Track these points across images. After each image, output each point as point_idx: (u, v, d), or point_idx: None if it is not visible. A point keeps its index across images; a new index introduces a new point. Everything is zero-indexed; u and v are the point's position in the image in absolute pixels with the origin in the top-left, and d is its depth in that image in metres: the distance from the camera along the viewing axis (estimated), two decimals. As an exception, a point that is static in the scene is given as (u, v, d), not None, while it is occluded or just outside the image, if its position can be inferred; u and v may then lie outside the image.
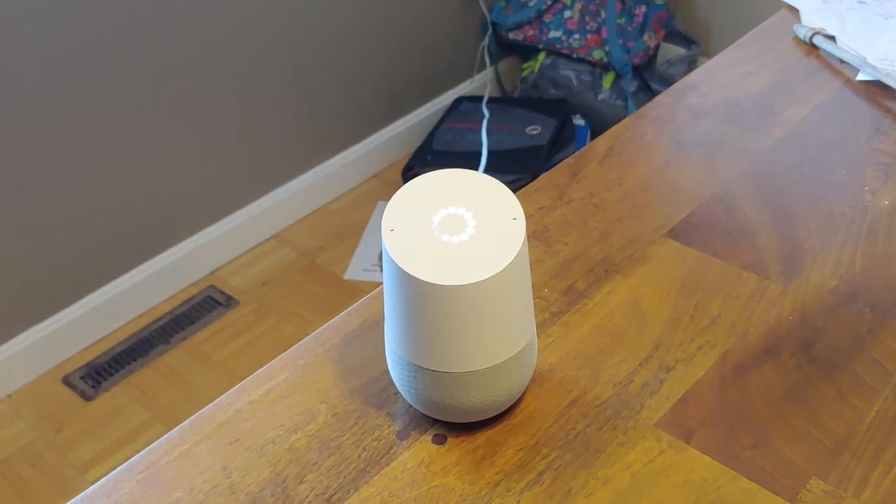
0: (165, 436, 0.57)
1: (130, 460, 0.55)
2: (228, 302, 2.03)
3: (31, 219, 1.80)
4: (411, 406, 0.56)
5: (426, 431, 0.55)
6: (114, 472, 0.55)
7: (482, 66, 2.53)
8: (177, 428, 0.57)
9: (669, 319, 0.62)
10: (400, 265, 0.49)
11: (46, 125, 1.76)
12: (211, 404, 0.58)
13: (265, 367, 0.60)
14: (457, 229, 0.51)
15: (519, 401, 0.56)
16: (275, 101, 2.12)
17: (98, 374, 1.89)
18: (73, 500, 0.54)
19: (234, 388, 0.59)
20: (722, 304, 0.63)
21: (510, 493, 0.51)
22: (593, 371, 0.58)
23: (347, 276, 2.08)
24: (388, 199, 2.27)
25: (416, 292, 0.50)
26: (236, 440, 0.55)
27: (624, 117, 2.21)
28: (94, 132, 1.83)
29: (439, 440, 0.54)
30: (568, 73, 2.36)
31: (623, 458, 0.53)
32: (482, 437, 0.54)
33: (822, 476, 0.51)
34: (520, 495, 0.51)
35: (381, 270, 2.05)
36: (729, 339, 0.60)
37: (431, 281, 0.49)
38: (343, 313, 0.64)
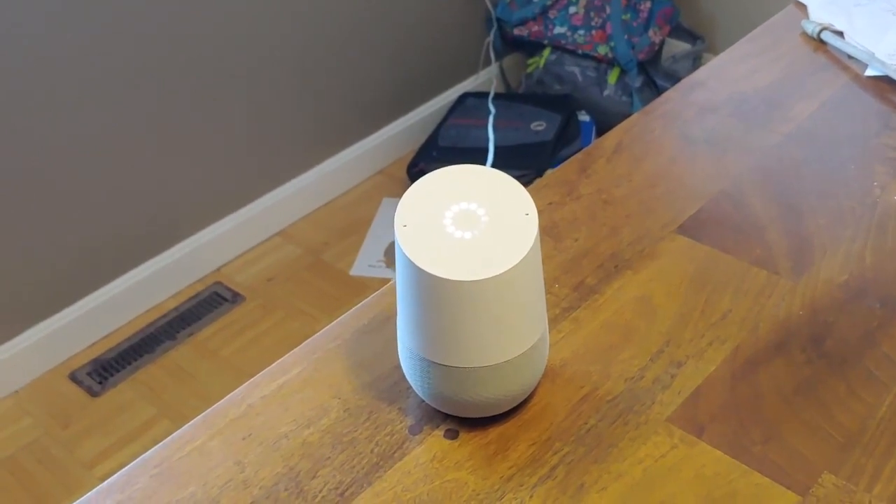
0: (178, 431, 0.57)
1: (143, 455, 0.56)
2: (234, 298, 2.03)
3: (37, 216, 1.80)
4: (423, 401, 0.56)
5: (438, 426, 0.55)
6: (127, 466, 0.55)
7: (487, 62, 2.53)
8: (189, 423, 0.57)
9: (680, 315, 0.62)
10: (413, 261, 0.49)
11: (53, 123, 1.76)
12: (223, 399, 0.59)
13: (277, 362, 0.61)
14: (469, 225, 0.51)
15: (531, 396, 0.56)
16: (280, 98, 2.13)
17: (105, 370, 1.89)
18: (88, 494, 0.54)
19: (245, 384, 0.59)
20: (732, 299, 0.63)
21: (523, 488, 0.51)
22: (605, 366, 0.58)
23: (353, 272, 2.08)
24: (393, 195, 2.27)
25: (429, 288, 0.50)
26: (249, 435, 0.56)
27: (629, 113, 2.21)
28: (100, 130, 1.84)
29: (451, 435, 0.55)
30: (573, 69, 2.36)
31: (635, 452, 0.53)
32: (494, 431, 0.55)
33: (833, 470, 0.51)
34: (532, 489, 0.51)
35: (387, 266, 2.05)
36: (739, 335, 0.60)
37: (444, 276, 0.49)
38: (354, 309, 0.64)
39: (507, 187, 0.53)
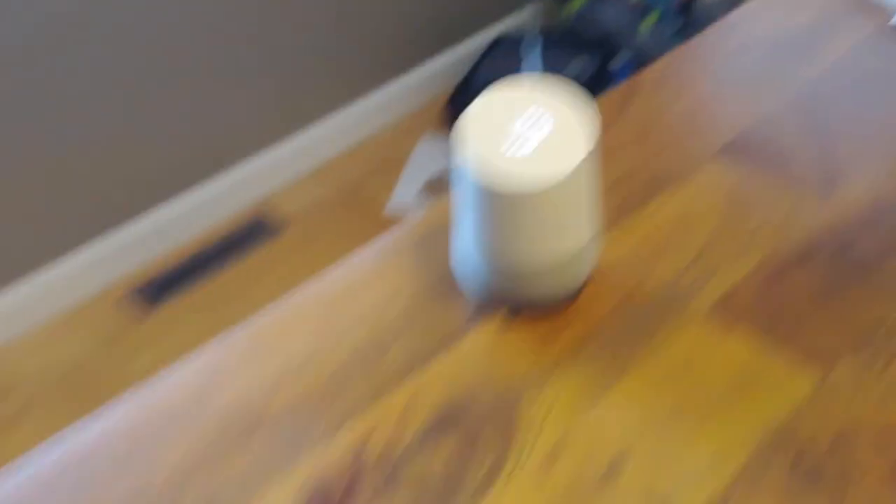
0: (262, 310, 0.63)
1: (233, 328, 0.62)
2: (276, 229, 2.10)
3: (85, 142, 1.86)
4: (478, 298, 0.62)
5: (493, 318, 0.61)
6: (213, 340, 0.61)
7: (522, 4, 2.56)
8: (271, 304, 0.63)
9: (716, 228, 0.67)
10: (474, 170, 0.55)
11: (110, 55, 1.82)
12: (296, 288, 0.65)
13: (341, 261, 0.66)
14: (533, 131, 0.56)
15: (579, 293, 0.62)
16: (318, 33, 2.16)
17: (155, 292, 1.96)
18: (180, 361, 0.60)
19: (313, 278, 0.65)
20: (765, 215, 0.68)
21: (571, 371, 0.57)
22: (646, 270, 0.64)
23: (389, 208, 2.14)
24: (431, 132, 2.32)
25: (489, 196, 0.55)
26: (324, 316, 0.62)
27: (665, 57, 2.22)
28: (150, 61, 1.89)
29: (505, 326, 0.61)
30: (609, 12, 2.39)
31: (674, 343, 0.59)
32: (545, 323, 0.61)
33: (852, 354, 0.57)
34: (580, 372, 0.57)
35: (424, 202, 2.10)
36: (771, 244, 0.65)
37: (506, 183, 0.54)
38: (411, 219, 0.70)
39: (567, 100, 0.58)
